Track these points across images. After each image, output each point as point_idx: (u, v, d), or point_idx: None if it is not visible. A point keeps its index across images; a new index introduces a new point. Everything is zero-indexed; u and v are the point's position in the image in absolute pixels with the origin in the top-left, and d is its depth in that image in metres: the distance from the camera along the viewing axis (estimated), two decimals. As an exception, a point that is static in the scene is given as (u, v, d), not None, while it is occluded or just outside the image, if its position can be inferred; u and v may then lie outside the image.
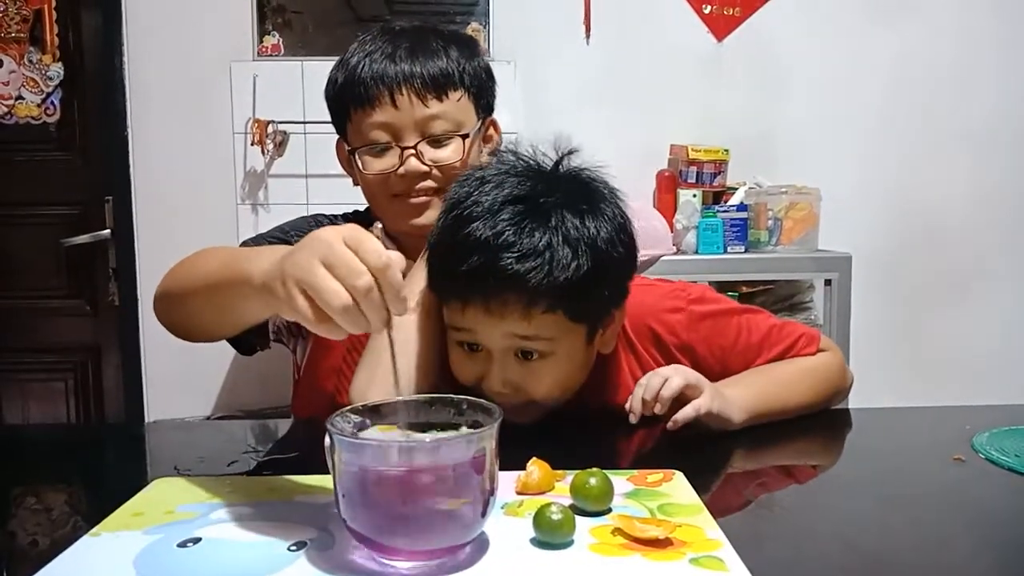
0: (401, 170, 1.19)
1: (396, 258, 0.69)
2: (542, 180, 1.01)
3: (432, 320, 1.08)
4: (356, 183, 1.30)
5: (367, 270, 0.68)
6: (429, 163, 1.19)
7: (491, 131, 1.31)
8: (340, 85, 1.23)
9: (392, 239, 1.28)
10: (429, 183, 1.21)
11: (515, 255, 0.94)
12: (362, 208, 1.36)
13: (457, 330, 1.02)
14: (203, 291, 0.92)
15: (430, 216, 1.20)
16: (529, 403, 1.03)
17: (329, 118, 1.29)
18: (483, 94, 1.26)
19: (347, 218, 1.34)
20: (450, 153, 1.21)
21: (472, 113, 1.24)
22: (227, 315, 0.91)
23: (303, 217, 1.33)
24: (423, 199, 1.22)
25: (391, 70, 1.18)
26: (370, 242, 0.69)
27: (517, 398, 1.01)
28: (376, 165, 1.21)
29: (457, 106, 1.21)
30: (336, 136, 1.31)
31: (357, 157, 1.22)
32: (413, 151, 1.19)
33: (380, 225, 1.25)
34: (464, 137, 1.21)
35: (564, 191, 1.00)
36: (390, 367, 0.73)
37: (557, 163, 1.03)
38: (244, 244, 1.23)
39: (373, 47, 1.21)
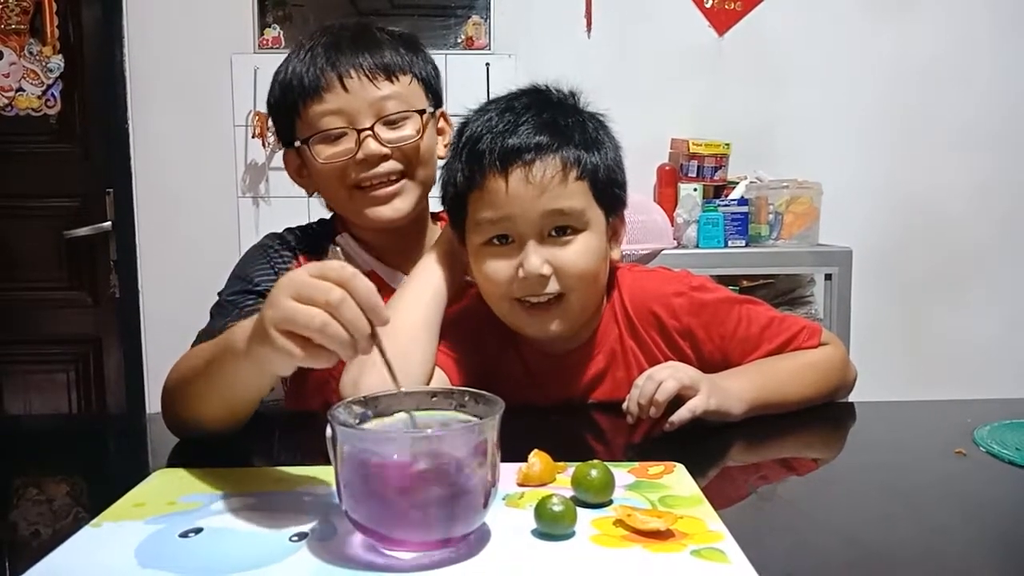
0: (360, 154, 1.14)
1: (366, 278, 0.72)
2: (548, 88, 1.12)
3: (428, 320, 1.08)
4: (311, 192, 1.25)
5: (336, 285, 0.70)
6: (388, 144, 1.15)
7: (443, 123, 1.27)
8: (284, 85, 1.18)
9: (362, 244, 1.25)
10: (390, 166, 1.16)
11: (546, 129, 1.03)
12: (327, 217, 1.31)
13: (490, 224, 1.04)
14: (202, 373, 0.91)
15: (398, 206, 1.18)
16: (561, 300, 1.05)
17: None
18: (432, 84, 1.23)
19: (306, 230, 1.30)
20: (408, 132, 1.17)
21: (423, 98, 1.21)
22: (226, 391, 0.89)
23: (255, 248, 1.26)
24: (389, 189, 1.17)
25: (338, 58, 1.15)
26: (331, 263, 0.73)
27: (553, 286, 1.03)
28: (331, 151, 1.15)
29: (408, 89, 1.18)
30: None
31: (310, 147, 1.16)
32: (370, 132, 1.14)
33: (339, 249, 1.24)
34: (421, 113, 1.18)
35: (571, 97, 1.12)
36: (380, 358, 0.74)
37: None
38: (216, 305, 1.18)
39: (313, 44, 1.17)
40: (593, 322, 1.13)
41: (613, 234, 1.11)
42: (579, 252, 1.04)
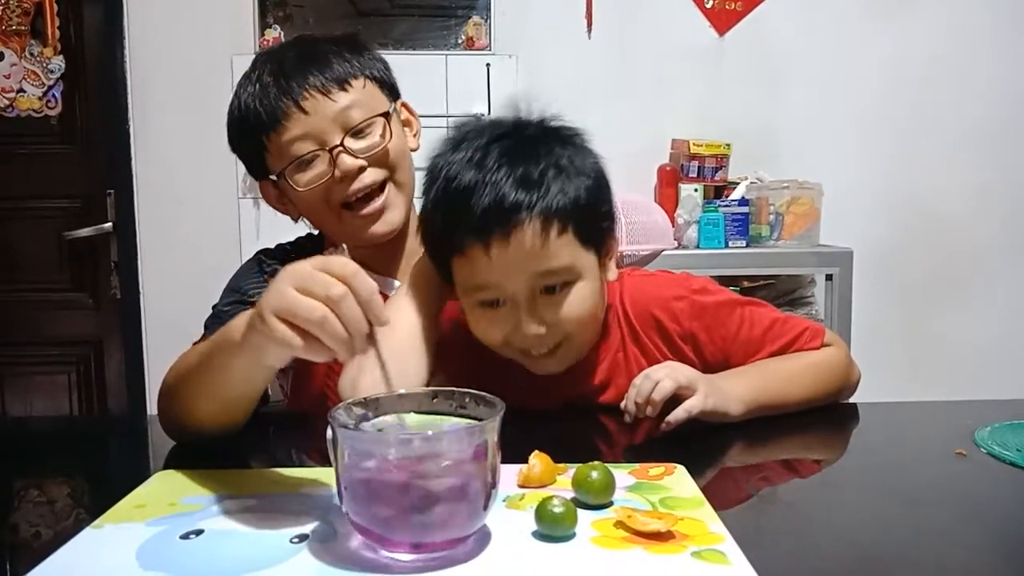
0: (337, 173, 1.13)
1: (367, 276, 0.72)
2: (518, 123, 1.05)
3: (422, 328, 1.07)
4: (295, 218, 1.24)
5: (338, 281, 0.70)
6: (361, 155, 1.14)
7: (407, 115, 1.27)
8: (241, 121, 1.17)
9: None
10: (371, 176, 1.15)
11: (518, 184, 0.98)
12: (315, 233, 1.30)
13: (477, 289, 1.02)
14: (196, 370, 0.91)
15: (390, 220, 1.18)
16: (562, 345, 1.04)
17: None
18: (385, 78, 1.22)
19: (297, 245, 1.29)
20: (377, 138, 1.15)
21: (381, 96, 1.19)
22: (221, 386, 0.89)
23: (248, 262, 1.26)
24: (377, 204, 1.17)
25: (288, 83, 1.13)
26: (335, 258, 0.72)
27: (552, 338, 1.03)
28: (308, 177, 1.14)
29: (364, 92, 1.16)
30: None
31: (286, 178, 1.14)
32: (341, 147, 1.13)
33: (345, 246, 1.23)
34: (384, 116, 1.17)
35: (542, 128, 1.05)
36: (376, 359, 0.74)
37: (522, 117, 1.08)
38: (210, 317, 1.18)
39: (258, 73, 1.16)
40: (596, 337, 1.13)
41: (607, 253, 1.08)
42: (573, 304, 1.02)
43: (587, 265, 1.03)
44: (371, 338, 0.71)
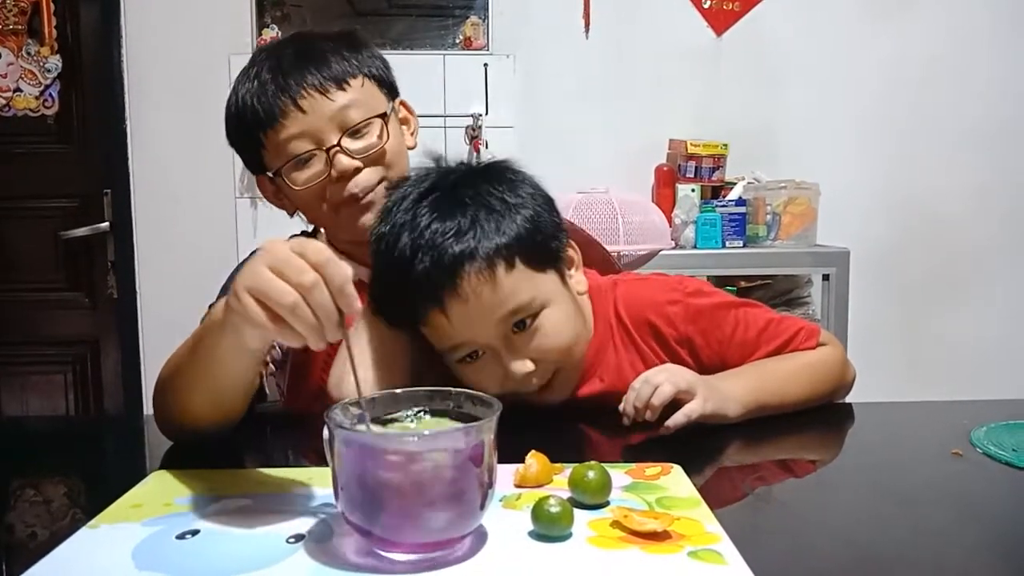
0: (333, 173, 1.12)
1: (343, 263, 0.71)
2: (444, 172, 1.05)
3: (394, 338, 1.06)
4: (291, 213, 1.23)
5: (311, 268, 0.70)
6: (357, 156, 1.13)
7: (405, 113, 1.27)
8: (238, 117, 1.16)
9: (342, 257, 1.24)
10: (366, 177, 1.15)
11: (452, 237, 0.96)
12: (309, 229, 1.31)
13: (451, 350, 1.02)
14: (187, 359, 0.91)
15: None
16: (557, 374, 1.04)
17: None
18: (384, 77, 1.21)
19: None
20: (374, 139, 1.15)
21: (379, 95, 1.19)
22: (209, 373, 0.88)
23: (245, 261, 1.26)
24: (371, 196, 1.16)
25: (284, 79, 1.12)
26: (312, 244, 0.72)
27: (543, 370, 1.02)
28: (305, 176, 1.14)
29: (363, 91, 1.16)
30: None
31: (283, 177, 1.14)
32: (338, 148, 1.12)
33: (323, 231, 1.23)
34: (382, 117, 1.16)
35: (466, 170, 1.05)
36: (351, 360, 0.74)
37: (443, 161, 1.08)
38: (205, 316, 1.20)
39: (256, 69, 1.15)
40: (584, 352, 1.12)
41: (567, 266, 1.08)
42: (549, 332, 1.01)
43: (550, 290, 1.02)
44: (343, 327, 0.71)
